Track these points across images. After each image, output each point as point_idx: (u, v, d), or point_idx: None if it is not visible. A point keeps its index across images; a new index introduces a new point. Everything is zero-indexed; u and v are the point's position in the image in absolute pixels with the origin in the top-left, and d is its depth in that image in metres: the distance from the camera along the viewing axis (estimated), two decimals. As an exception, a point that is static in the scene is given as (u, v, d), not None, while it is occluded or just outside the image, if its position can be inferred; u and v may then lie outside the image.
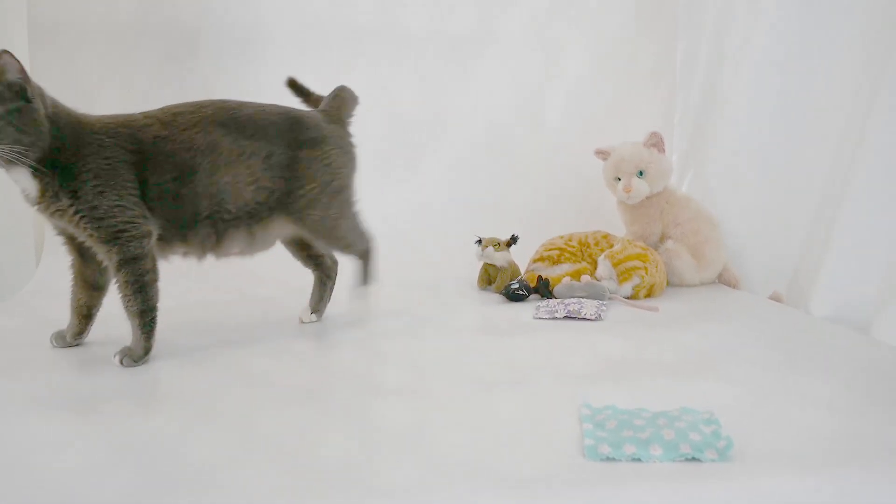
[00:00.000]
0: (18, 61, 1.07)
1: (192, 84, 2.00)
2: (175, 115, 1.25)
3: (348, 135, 1.45)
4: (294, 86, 1.50)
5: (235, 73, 2.05)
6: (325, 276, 1.53)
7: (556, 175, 2.30)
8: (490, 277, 1.86)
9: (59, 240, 1.28)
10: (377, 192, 2.18)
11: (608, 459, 0.80)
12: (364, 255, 1.49)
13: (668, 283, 1.82)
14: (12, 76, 1.07)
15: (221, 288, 1.83)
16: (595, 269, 1.76)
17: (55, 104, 1.16)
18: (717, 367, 1.16)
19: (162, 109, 1.27)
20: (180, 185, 1.22)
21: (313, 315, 1.51)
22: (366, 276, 1.50)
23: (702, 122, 2.15)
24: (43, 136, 1.11)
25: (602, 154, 1.94)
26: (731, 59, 1.97)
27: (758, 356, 1.21)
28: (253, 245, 1.35)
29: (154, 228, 1.21)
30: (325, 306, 1.53)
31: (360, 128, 2.18)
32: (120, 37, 1.94)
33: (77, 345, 1.33)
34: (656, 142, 1.86)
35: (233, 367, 1.19)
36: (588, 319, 1.48)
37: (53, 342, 1.33)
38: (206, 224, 1.26)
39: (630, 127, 2.10)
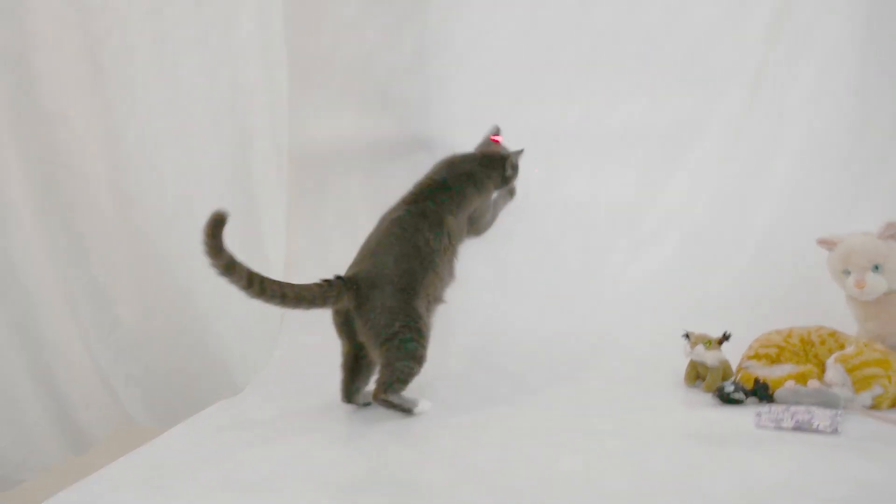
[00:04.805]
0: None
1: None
2: None
3: None
4: None
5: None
6: None
7: (766, 266, 2.14)
8: (699, 374, 1.77)
9: None
10: (576, 285, 2.20)
11: None
12: None
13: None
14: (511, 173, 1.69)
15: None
16: (822, 371, 1.60)
17: None
18: None
19: None
20: None
21: None
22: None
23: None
24: None
25: (827, 244, 1.77)
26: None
27: None
28: None
29: None
30: None
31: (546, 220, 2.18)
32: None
33: None
34: (895, 233, 1.68)
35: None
36: (821, 432, 1.35)
37: None
38: None
39: (854, 216, 1.95)
